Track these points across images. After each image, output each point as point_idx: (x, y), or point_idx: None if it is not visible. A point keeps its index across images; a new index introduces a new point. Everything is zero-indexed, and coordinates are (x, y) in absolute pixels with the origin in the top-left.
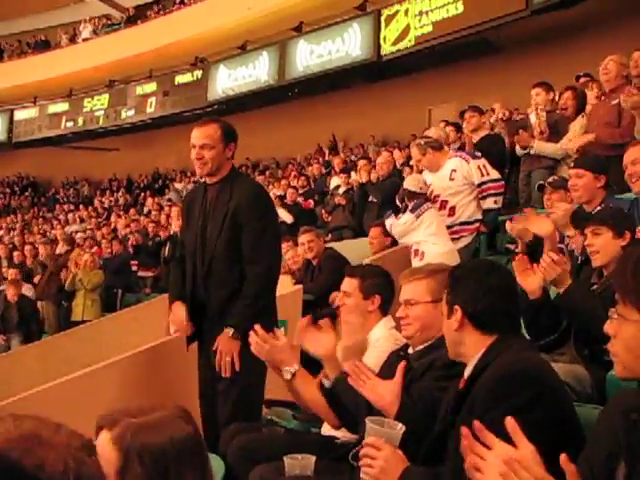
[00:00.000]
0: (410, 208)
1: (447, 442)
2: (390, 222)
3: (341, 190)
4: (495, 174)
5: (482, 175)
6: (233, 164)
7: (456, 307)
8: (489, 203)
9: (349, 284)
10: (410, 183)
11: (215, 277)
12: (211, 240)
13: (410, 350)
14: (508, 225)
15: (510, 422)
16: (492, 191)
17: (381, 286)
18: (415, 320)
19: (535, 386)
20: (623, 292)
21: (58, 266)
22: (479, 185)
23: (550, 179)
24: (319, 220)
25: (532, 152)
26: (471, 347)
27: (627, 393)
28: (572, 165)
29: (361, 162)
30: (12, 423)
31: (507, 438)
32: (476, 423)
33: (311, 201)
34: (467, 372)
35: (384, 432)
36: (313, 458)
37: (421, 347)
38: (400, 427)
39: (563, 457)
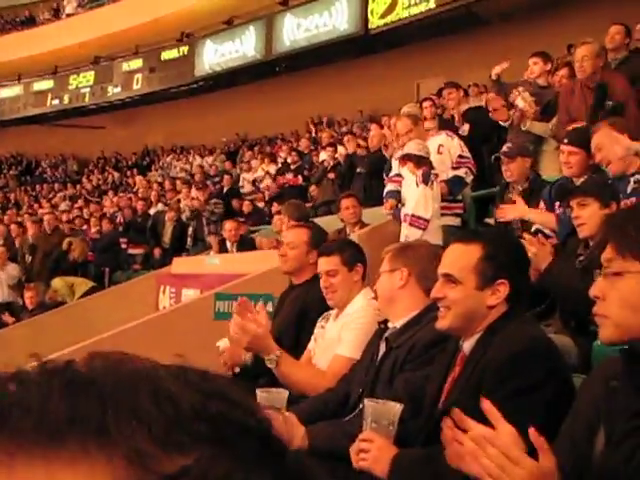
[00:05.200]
0: (421, 180)
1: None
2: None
3: (327, 164)
4: (469, 155)
5: (462, 151)
6: None
7: (502, 281)
8: (461, 172)
9: (331, 262)
10: (414, 148)
11: None
12: None
13: (390, 324)
14: (497, 213)
15: (486, 403)
16: (469, 166)
17: (358, 255)
18: (379, 291)
19: (545, 364)
20: (623, 246)
21: (50, 246)
22: (459, 157)
23: (504, 148)
24: (308, 197)
25: (523, 128)
26: (485, 322)
27: (609, 361)
28: (565, 141)
29: (346, 137)
30: None
31: (513, 418)
32: (455, 411)
33: (300, 177)
34: (468, 348)
35: (382, 407)
36: (286, 393)
37: (399, 324)
38: (399, 406)
39: (532, 431)
